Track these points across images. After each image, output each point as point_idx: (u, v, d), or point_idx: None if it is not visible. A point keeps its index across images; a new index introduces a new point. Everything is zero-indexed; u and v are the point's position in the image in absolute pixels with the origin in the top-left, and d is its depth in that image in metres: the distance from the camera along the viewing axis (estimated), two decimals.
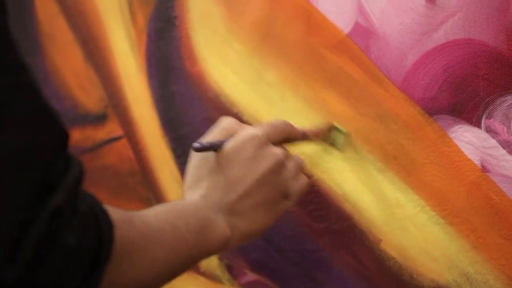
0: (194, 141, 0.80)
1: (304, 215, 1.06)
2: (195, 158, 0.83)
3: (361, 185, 0.98)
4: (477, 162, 0.89)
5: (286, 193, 0.83)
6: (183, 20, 1.21)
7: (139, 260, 0.66)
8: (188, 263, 0.75)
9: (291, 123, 0.88)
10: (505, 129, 0.86)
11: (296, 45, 1.06)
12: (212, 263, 1.18)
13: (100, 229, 0.60)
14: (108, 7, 1.34)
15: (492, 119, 0.88)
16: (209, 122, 1.16)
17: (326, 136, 0.96)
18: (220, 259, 1.17)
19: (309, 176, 0.89)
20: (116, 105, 1.34)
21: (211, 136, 0.85)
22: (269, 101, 1.10)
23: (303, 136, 0.90)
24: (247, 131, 0.82)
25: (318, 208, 1.04)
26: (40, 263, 0.54)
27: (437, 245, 0.92)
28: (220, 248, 0.79)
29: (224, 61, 1.16)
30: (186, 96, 1.21)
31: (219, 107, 1.16)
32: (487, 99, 0.88)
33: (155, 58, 1.26)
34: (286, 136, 0.86)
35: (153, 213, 0.73)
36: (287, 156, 0.84)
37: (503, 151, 0.87)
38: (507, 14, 0.86)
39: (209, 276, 1.19)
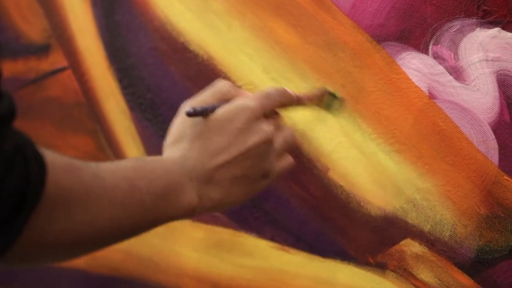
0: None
1: None
2: (182, 117, 0.80)
3: (309, 115, 0.98)
4: (424, 89, 0.89)
5: (267, 172, 0.80)
6: None
7: (78, 212, 0.63)
8: (142, 226, 0.72)
9: (286, 88, 0.84)
10: (452, 55, 0.86)
11: None
12: None
13: (28, 171, 0.57)
14: None
15: (439, 45, 0.87)
16: (155, 52, 1.14)
17: (320, 101, 0.91)
18: None
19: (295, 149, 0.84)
20: (60, 35, 1.31)
21: (203, 97, 0.80)
22: (215, 31, 1.08)
23: (298, 101, 0.86)
24: (242, 101, 0.79)
25: None
26: None
27: (384, 173, 0.92)
28: (184, 216, 0.76)
29: None
30: (131, 26, 1.19)
31: (165, 37, 1.14)
32: (435, 25, 0.87)
33: None
34: (280, 105, 0.83)
35: (113, 168, 0.69)
36: (277, 131, 0.81)
37: (450, 77, 0.86)
38: None
39: None
